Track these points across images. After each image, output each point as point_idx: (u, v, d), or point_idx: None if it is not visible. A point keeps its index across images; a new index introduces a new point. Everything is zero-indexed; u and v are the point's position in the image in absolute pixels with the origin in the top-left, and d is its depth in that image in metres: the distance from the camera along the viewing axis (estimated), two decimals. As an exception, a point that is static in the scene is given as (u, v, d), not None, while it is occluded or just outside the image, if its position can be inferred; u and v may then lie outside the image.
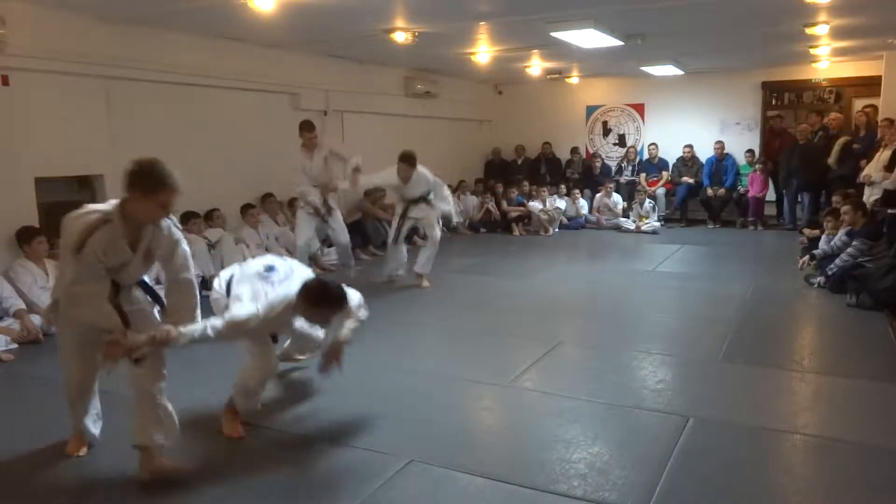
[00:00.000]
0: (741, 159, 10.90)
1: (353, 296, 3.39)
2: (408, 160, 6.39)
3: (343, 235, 6.88)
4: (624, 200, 10.95)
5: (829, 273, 6.19)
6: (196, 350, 3.17)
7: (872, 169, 7.52)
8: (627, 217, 10.73)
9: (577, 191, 11.20)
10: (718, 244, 9.18)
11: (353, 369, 4.32)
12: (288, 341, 3.96)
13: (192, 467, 2.97)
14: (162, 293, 3.12)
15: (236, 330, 3.01)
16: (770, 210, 10.53)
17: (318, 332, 3.74)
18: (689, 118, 11.41)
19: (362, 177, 6.38)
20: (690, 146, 11.12)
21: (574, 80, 11.71)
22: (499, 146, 12.66)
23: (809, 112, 10.64)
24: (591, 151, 12.28)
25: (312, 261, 6.97)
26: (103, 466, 3.08)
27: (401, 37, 6.87)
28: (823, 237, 6.82)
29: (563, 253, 9.05)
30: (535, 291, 6.64)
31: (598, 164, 11.73)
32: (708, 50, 9.02)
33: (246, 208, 7.35)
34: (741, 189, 10.66)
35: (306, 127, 6.63)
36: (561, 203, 10.93)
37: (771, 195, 10.44)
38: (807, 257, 6.77)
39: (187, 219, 6.64)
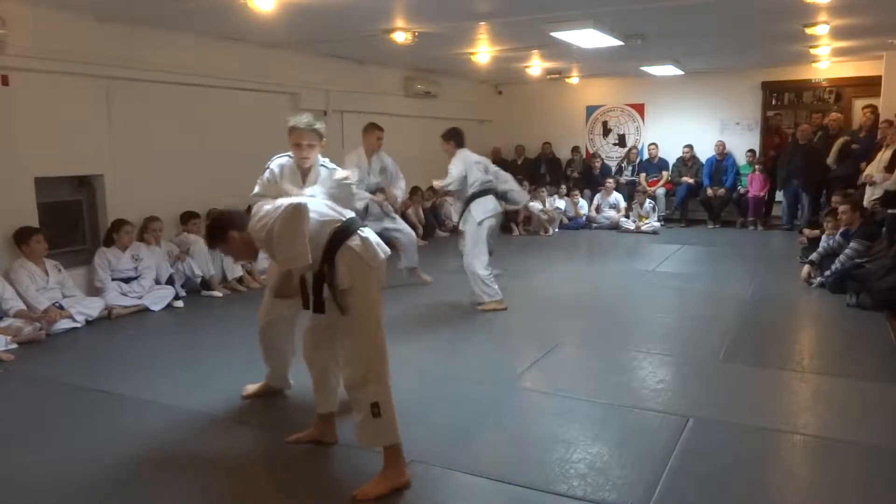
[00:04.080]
0: (741, 159, 10.91)
1: None
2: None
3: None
4: (624, 200, 10.96)
5: (828, 275, 6.19)
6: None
7: (873, 169, 7.52)
8: (628, 217, 10.74)
9: (577, 191, 11.21)
10: (718, 244, 9.18)
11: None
12: None
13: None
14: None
15: None
16: (777, 211, 10.51)
17: None
18: (689, 118, 11.42)
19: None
20: (690, 146, 11.12)
21: (574, 80, 11.71)
22: (499, 146, 12.65)
23: (810, 112, 10.65)
24: (590, 151, 12.29)
25: None
26: (99, 468, 3.08)
27: (401, 37, 6.87)
28: (823, 237, 6.82)
29: (562, 253, 9.04)
30: (535, 291, 6.64)
31: (598, 165, 11.74)
32: (708, 50, 9.01)
33: (250, 210, 7.34)
34: (741, 189, 10.67)
35: (377, 127, 6.21)
36: (561, 203, 10.94)
37: (779, 196, 10.42)
38: (806, 267, 6.64)
39: (187, 219, 6.66)
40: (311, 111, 8.48)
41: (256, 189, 3.86)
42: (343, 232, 2.79)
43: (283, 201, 2.83)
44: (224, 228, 3.04)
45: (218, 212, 3.36)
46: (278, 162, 3.91)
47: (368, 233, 2.88)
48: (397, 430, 2.74)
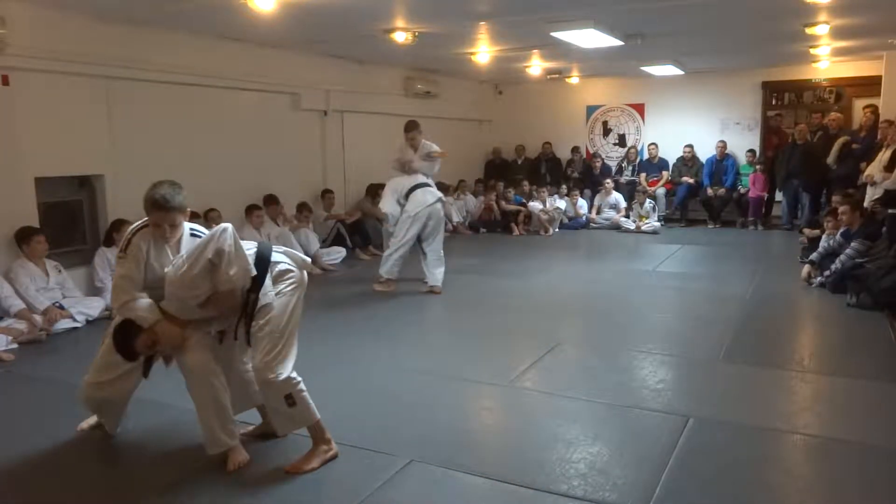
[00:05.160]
0: (741, 159, 10.91)
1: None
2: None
3: None
4: (624, 200, 10.96)
5: (828, 275, 6.19)
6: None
7: (874, 169, 7.52)
8: (628, 217, 10.74)
9: (577, 191, 11.21)
10: (718, 244, 9.18)
11: (353, 369, 4.33)
12: None
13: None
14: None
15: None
16: (777, 211, 10.50)
17: None
18: (690, 118, 11.42)
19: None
20: (691, 146, 11.13)
21: (574, 80, 11.71)
22: (499, 146, 12.66)
23: (810, 112, 10.65)
24: (591, 151, 12.29)
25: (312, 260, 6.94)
26: (99, 467, 3.08)
27: (401, 37, 6.87)
28: (824, 237, 6.82)
29: (563, 253, 9.04)
30: (535, 291, 6.64)
31: (599, 164, 11.74)
32: (708, 50, 9.01)
33: (251, 209, 7.37)
34: (741, 189, 10.67)
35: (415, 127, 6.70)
36: (561, 203, 10.94)
37: (778, 196, 10.40)
38: (807, 267, 6.63)
39: (187, 218, 6.66)
40: (311, 111, 8.60)
41: (124, 271, 2.99)
42: (263, 255, 2.95)
43: (207, 235, 2.88)
44: (131, 325, 2.89)
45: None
46: (140, 241, 3.03)
47: (283, 249, 3.10)
48: (313, 411, 2.99)
